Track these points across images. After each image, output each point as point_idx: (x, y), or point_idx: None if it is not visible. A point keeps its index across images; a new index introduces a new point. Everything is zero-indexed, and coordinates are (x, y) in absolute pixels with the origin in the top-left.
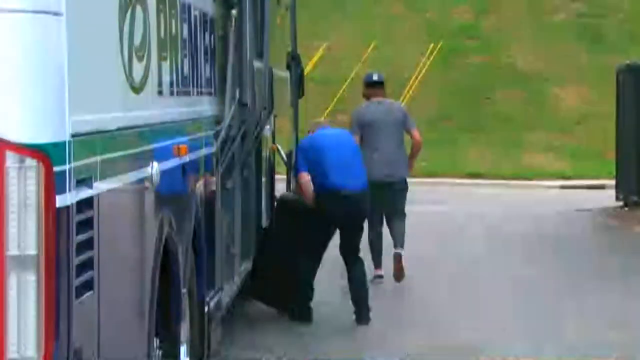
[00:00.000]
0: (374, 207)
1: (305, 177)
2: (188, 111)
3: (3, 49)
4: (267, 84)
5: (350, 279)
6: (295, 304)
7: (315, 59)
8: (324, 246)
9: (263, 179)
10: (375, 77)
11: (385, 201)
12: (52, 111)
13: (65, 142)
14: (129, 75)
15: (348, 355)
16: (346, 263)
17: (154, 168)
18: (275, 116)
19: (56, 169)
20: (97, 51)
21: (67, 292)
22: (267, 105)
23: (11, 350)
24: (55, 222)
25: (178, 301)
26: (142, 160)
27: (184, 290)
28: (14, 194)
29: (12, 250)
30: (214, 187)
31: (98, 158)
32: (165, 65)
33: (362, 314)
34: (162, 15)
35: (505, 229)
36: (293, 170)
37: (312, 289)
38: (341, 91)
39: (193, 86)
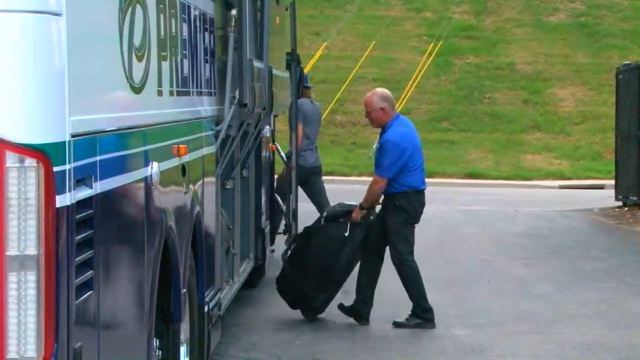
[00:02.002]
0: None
1: (384, 184)
2: (188, 111)
3: (3, 49)
4: (267, 84)
5: (370, 276)
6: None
7: (315, 59)
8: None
9: (263, 179)
10: (309, 81)
11: (316, 184)
12: (52, 111)
13: (65, 142)
14: (129, 75)
15: (348, 356)
16: (371, 258)
17: (154, 168)
18: (275, 116)
19: (56, 169)
20: (97, 51)
21: (67, 292)
22: (267, 105)
23: (11, 351)
24: (55, 222)
25: (178, 301)
26: (142, 160)
27: (184, 290)
28: (14, 194)
29: (12, 250)
30: (213, 187)
31: (98, 158)
32: (165, 65)
33: (365, 312)
34: (162, 15)
35: (505, 228)
36: (379, 168)
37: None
38: (341, 91)
39: (193, 86)
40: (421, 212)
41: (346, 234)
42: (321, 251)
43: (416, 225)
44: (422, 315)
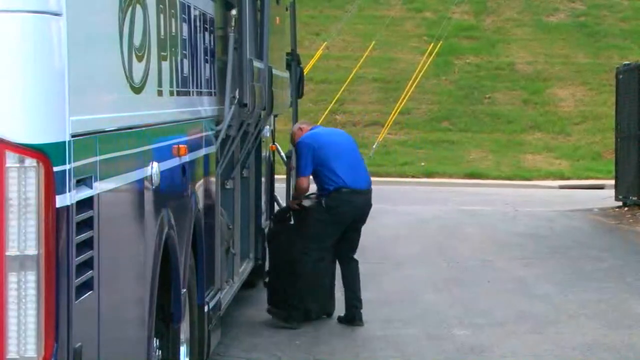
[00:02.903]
0: None
1: (306, 183)
2: (188, 111)
3: (3, 49)
4: (267, 84)
5: (346, 280)
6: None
7: (315, 59)
8: (334, 246)
9: (263, 179)
10: None
11: None
12: (52, 111)
13: (65, 142)
14: (129, 75)
15: (348, 356)
16: (341, 263)
17: (154, 168)
18: (275, 116)
19: (56, 169)
20: (97, 51)
21: (67, 292)
22: (267, 105)
23: (11, 351)
24: (55, 222)
25: (178, 301)
26: (142, 160)
27: (184, 290)
28: (14, 194)
29: (12, 250)
30: (213, 187)
31: (98, 158)
32: (165, 65)
33: (357, 315)
34: (162, 15)
35: (505, 228)
36: (296, 170)
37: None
38: (341, 91)
39: (193, 86)
40: (349, 213)
41: (291, 222)
42: (278, 249)
43: (415, 224)
44: (289, 312)
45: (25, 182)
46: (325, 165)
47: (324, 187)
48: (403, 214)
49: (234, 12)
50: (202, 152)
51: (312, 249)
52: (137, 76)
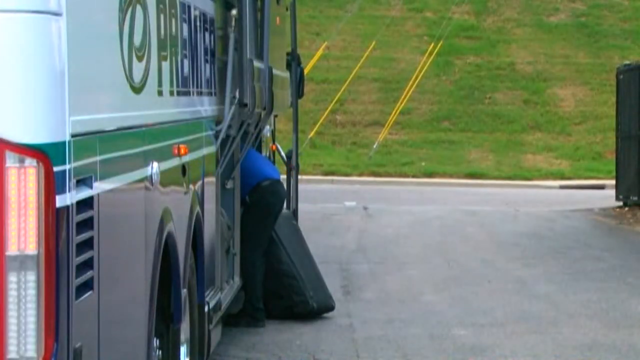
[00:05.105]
0: None
1: None
2: (188, 111)
3: (3, 49)
4: (267, 84)
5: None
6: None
7: (315, 59)
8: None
9: None
10: None
11: None
12: (52, 111)
13: (65, 142)
14: (129, 75)
15: (348, 356)
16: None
17: (154, 168)
18: (275, 116)
19: (56, 169)
20: (97, 51)
21: (67, 292)
22: (267, 105)
23: (11, 351)
24: (55, 222)
25: (178, 301)
26: (142, 160)
27: (184, 290)
28: (14, 194)
29: (12, 250)
30: (213, 187)
31: (98, 158)
32: (165, 65)
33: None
34: (162, 15)
35: (505, 228)
36: None
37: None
38: (341, 91)
39: (193, 86)
40: (274, 203)
41: None
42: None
43: (415, 225)
44: (252, 314)
45: (25, 182)
46: (247, 162)
47: (249, 184)
48: (403, 214)
49: (234, 12)
50: (202, 152)
51: (256, 252)
52: (137, 76)
